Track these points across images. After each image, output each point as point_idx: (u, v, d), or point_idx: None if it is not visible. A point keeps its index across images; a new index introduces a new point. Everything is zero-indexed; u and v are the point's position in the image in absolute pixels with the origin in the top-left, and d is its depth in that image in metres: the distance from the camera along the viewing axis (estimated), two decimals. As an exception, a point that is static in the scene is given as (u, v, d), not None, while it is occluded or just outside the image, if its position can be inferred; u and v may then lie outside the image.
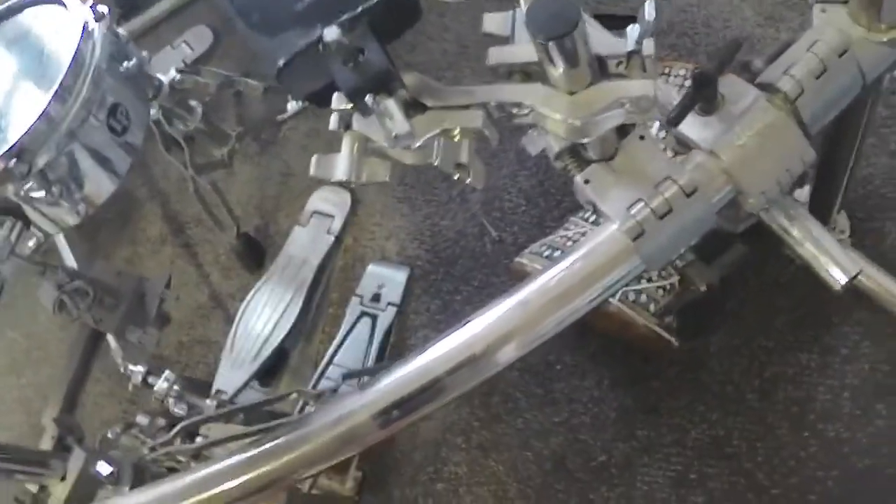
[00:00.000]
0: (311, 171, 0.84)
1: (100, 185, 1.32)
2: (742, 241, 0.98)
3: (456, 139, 0.81)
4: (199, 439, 1.29)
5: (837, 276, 0.97)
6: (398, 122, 0.73)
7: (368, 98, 0.75)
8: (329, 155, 0.84)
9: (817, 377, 1.55)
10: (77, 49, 1.26)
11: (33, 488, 1.24)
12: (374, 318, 1.82)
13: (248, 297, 1.88)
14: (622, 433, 1.61)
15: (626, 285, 0.96)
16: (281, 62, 0.77)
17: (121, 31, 1.41)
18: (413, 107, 0.78)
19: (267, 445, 0.96)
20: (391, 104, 0.74)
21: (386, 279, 1.86)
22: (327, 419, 0.94)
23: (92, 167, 1.28)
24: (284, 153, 2.07)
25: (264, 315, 1.85)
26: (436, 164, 0.81)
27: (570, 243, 1.51)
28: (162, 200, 2.11)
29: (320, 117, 2.06)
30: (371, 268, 1.88)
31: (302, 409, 1.51)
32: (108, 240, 2.12)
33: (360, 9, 0.75)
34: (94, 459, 1.19)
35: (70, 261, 1.93)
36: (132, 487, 1.21)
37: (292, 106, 2.07)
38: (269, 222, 2.01)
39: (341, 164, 0.83)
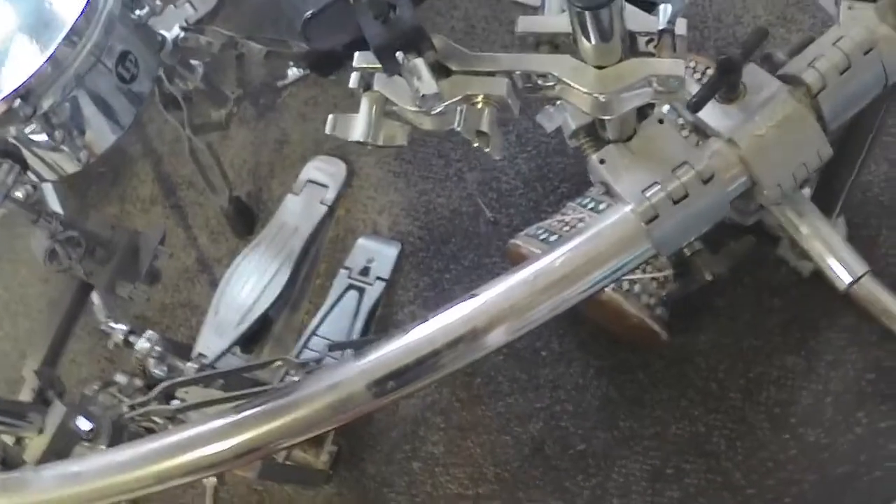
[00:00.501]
0: (328, 129, 0.83)
1: (102, 134, 1.30)
2: (750, 230, 0.98)
3: (479, 106, 0.80)
4: (175, 402, 1.28)
5: (843, 276, 0.97)
6: (426, 82, 0.72)
7: (399, 55, 0.73)
8: (347, 115, 0.82)
9: (802, 381, 1.55)
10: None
11: (9, 440, 1.22)
12: (361, 291, 1.81)
13: (236, 263, 1.86)
14: (603, 423, 1.62)
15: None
16: (309, 13, 0.76)
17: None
18: (438, 70, 0.77)
19: (257, 409, 0.94)
20: (420, 63, 0.73)
21: (376, 253, 1.85)
22: (321, 385, 0.92)
23: (96, 114, 1.26)
24: (282, 120, 2.05)
25: (251, 281, 1.83)
26: (458, 129, 0.79)
27: (567, 228, 1.50)
28: (155, 160, 2.08)
29: (320, 85, 2.04)
30: (362, 241, 1.87)
31: (283, 377, 1.51)
32: (98, 196, 2.10)
33: (393, -35, 0.73)
34: (73, 414, 1.17)
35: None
36: (109, 445, 1.19)
37: (293, 72, 2.05)
38: (261, 188, 1.99)
39: (360, 125, 0.81)
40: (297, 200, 1.93)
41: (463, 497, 1.65)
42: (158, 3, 1.42)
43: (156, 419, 1.27)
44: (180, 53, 1.66)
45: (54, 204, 1.83)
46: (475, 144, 0.81)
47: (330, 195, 1.92)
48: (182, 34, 1.64)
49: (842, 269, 0.97)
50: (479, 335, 0.88)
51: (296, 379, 1.43)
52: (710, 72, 1.54)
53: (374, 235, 1.88)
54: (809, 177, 0.93)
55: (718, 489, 1.53)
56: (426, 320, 0.91)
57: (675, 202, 0.85)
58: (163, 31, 1.60)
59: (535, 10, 0.86)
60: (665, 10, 0.78)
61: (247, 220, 1.94)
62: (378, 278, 1.81)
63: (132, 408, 1.21)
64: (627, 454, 1.59)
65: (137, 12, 1.32)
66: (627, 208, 0.86)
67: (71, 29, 1.22)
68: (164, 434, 0.98)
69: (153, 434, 1.22)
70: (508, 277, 0.90)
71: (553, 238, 1.49)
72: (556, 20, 0.81)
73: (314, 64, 1.93)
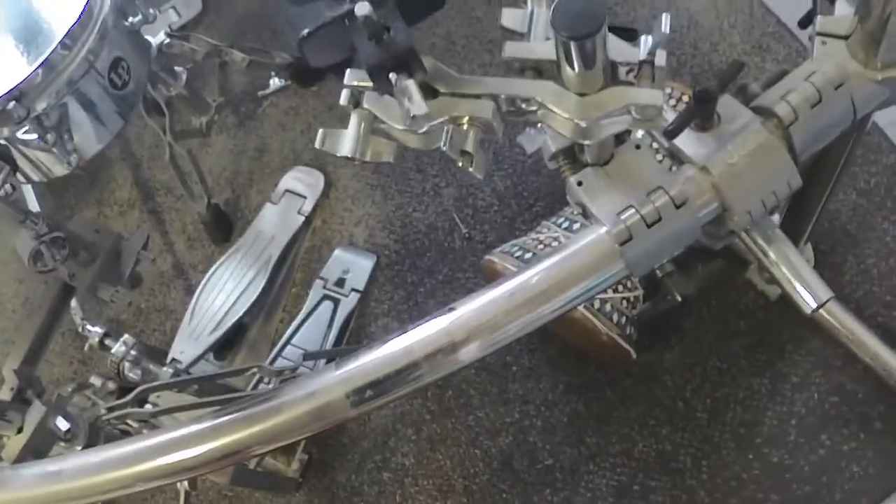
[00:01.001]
0: (317, 143, 0.84)
1: (92, 138, 1.32)
2: (720, 255, 1.00)
3: (464, 127, 0.83)
4: (148, 406, 1.29)
5: (809, 301, 1.00)
6: (417, 103, 0.74)
7: (392, 76, 0.76)
8: (336, 130, 0.84)
9: (767, 402, 1.58)
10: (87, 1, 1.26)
11: (-13, 438, 1.22)
12: (336, 302, 1.83)
13: (213, 269, 1.88)
14: (571, 438, 1.64)
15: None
16: (305, 31, 0.78)
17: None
18: (426, 91, 0.79)
19: (237, 414, 0.95)
20: (411, 85, 0.75)
21: (352, 265, 1.87)
22: (300, 392, 0.94)
23: (87, 119, 1.28)
24: (262, 129, 2.07)
25: (227, 288, 1.85)
26: (443, 149, 0.82)
27: (542, 247, 1.53)
28: (134, 164, 2.09)
29: (301, 96, 2.07)
30: (338, 252, 1.89)
31: (256, 385, 1.52)
32: (75, 198, 2.10)
33: (390, -13, 0.76)
34: (53, 414, 1.18)
35: (37, 215, 1.90)
36: (85, 446, 1.20)
37: (274, 82, 2.07)
38: (240, 196, 2.01)
39: (348, 141, 0.83)
40: (274, 210, 1.94)
41: (431, 508, 1.67)
42: (151, 11, 1.44)
43: (131, 422, 1.28)
44: (164, 59, 1.68)
45: (33, 204, 1.84)
46: (460, 164, 0.83)
47: (307, 206, 1.94)
48: (167, 40, 1.66)
49: (807, 293, 1.00)
50: (457, 348, 0.90)
51: (270, 387, 1.45)
52: (685, 98, 1.58)
53: (350, 247, 1.90)
54: (779, 204, 0.96)
55: (683, 506, 1.57)
56: (405, 331, 0.92)
57: (649, 225, 0.87)
58: (148, 37, 1.62)
59: (521, 36, 0.88)
60: (646, 42, 0.81)
61: (224, 227, 1.96)
62: (353, 290, 1.83)
63: (110, 410, 1.21)
64: (594, 470, 1.61)
65: (131, 19, 1.34)
66: (603, 229, 0.89)
67: (66, 34, 1.24)
68: (144, 437, 0.98)
69: (133, 436, 1.23)
70: (486, 292, 0.92)
71: (528, 256, 1.52)
72: (541, 47, 0.84)
73: (295, 75, 1.97)
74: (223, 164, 2.05)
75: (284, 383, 1.09)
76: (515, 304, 0.90)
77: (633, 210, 0.88)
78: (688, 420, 1.61)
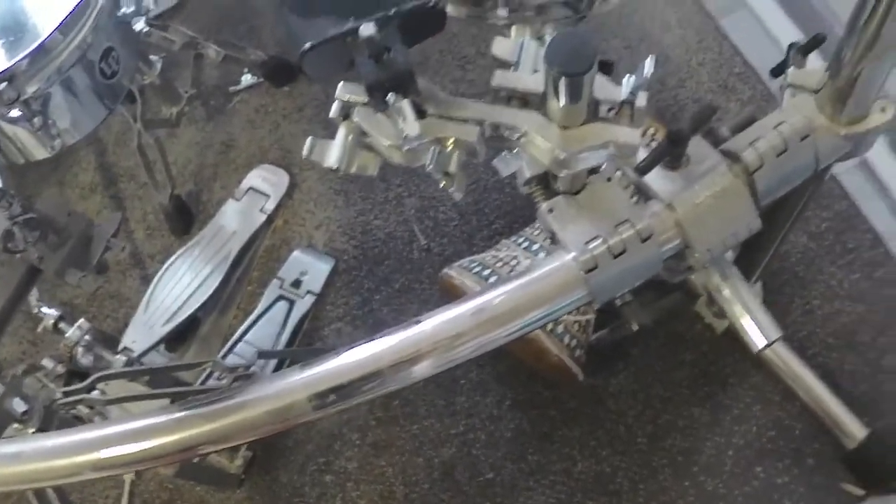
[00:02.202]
0: (304, 152, 0.87)
1: (77, 124, 1.32)
2: (678, 289, 1.04)
3: (448, 149, 0.85)
4: (95, 392, 1.29)
5: (758, 339, 1.04)
6: (410, 123, 0.77)
7: (390, 96, 0.78)
8: (324, 140, 0.87)
9: (706, 432, 1.63)
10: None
11: (-58, 417, 1.21)
12: (291, 302, 1.84)
13: (171, 260, 1.87)
14: (513, 454, 1.67)
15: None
16: (308, 45, 0.80)
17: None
18: (416, 110, 0.82)
19: (199, 409, 0.96)
20: (406, 105, 0.78)
21: (309, 267, 1.88)
22: (265, 392, 0.95)
23: (74, 105, 1.28)
24: (230, 124, 2.07)
25: (183, 281, 1.85)
26: (428, 168, 0.85)
27: (500, 265, 1.56)
28: (99, 149, 2.08)
29: (272, 95, 2.08)
30: (297, 253, 1.90)
31: (206, 380, 1.53)
32: (38, 179, 2.09)
33: (393, 11, 0.78)
34: (10, 395, 1.18)
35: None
36: (38, 430, 1.20)
37: (246, 79, 2.08)
38: (203, 190, 2.01)
39: (335, 152, 0.86)
40: (237, 206, 1.95)
41: (372, 513, 1.69)
42: (145, 3, 1.44)
43: (83, 408, 1.29)
44: (141, 47, 1.68)
45: (-2, 183, 1.82)
46: (442, 184, 0.86)
47: (270, 204, 1.95)
48: (146, 28, 1.66)
49: (757, 332, 1.04)
50: (422, 359, 0.92)
51: (221, 382, 1.46)
52: (651, 131, 1.63)
53: (309, 249, 1.91)
54: (737, 244, 1.00)
55: (617, 528, 1.60)
56: (372, 339, 0.95)
57: (615, 256, 0.91)
58: (134, 8, 1.61)
59: (511, 66, 0.91)
60: (629, 82, 0.85)
61: (185, 219, 1.96)
62: (309, 292, 1.85)
63: (66, 395, 1.22)
64: (534, 486, 1.64)
65: (124, 10, 1.34)
66: (570, 256, 0.92)
67: (63, 21, 1.24)
68: (105, 424, 0.99)
69: (88, 423, 1.23)
70: (452, 308, 0.95)
71: (486, 272, 1.55)
72: (529, 79, 0.87)
73: (269, 73, 1.99)
74: (189, 155, 2.05)
75: (246, 381, 1.11)
76: (481, 321, 0.93)
77: (600, 240, 0.91)
78: (628, 444, 1.65)
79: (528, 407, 1.70)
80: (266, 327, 1.81)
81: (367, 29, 0.73)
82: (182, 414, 0.97)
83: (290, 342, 1.80)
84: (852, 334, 1.68)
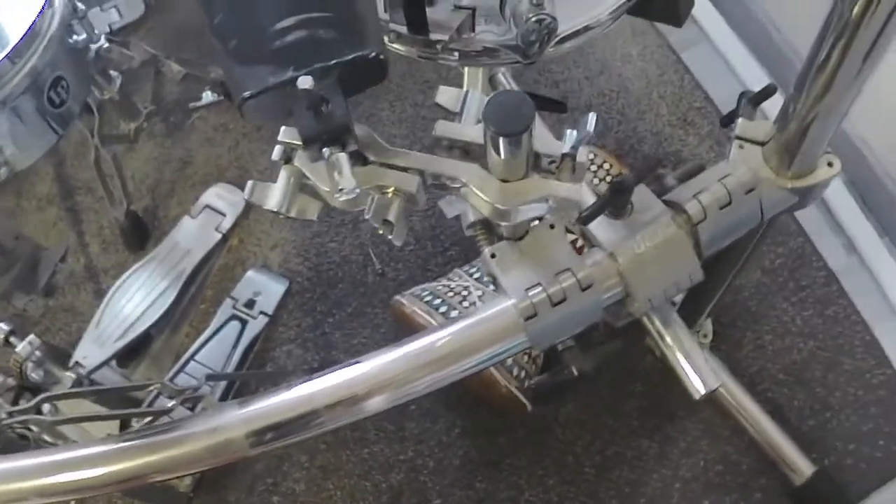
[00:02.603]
0: (245, 194, 0.87)
1: (25, 152, 1.31)
2: (620, 335, 1.05)
3: (388, 196, 0.86)
4: (48, 412, 1.28)
5: (698, 386, 1.05)
6: (346, 176, 0.77)
7: (326, 150, 0.79)
8: (265, 183, 0.87)
9: (653, 464, 1.64)
10: (39, 15, 1.26)
11: None
12: (244, 323, 1.83)
13: (125, 276, 1.86)
14: (461, 481, 1.68)
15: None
16: (247, 93, 0.80)
17: (79, 3, 1.41)
18: (355, 157, 0.82)
19: (137, 441, 0.96)
20: (342, 158, 0.78)
21: (263, 287, 1.88)
22: (202, 427, 0.95)
23: (22, 133, 1.26)
24: (188, 141, 2.06)
25: (137, 297, 1.84)
26: (366, 216, 0.85)
27: (451, 294, 1.57)
28: (57, 160, 2.07)
29: (231, 114, 2.07)
30: (251, 273, 1.90)
31: (154, 400, 1.52)
32: (-7, 189, 2.07)
33: (333, 61, 0.78)
34: (-42, 410, 1.17)
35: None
36: (-18, 449, 1.19)
37: (206, 96, 2.07)
38: (159, 206, 2.00)
39: (276, 195, 0.86)
40: (192, 223, 1.94)
41: (316, 536, 1.69)
42: (97, 32, 1.44)
43: (31, 427, 1.28)
44: (101, 63, 1.67)
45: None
46: (380, 232, 0.87)
47: (226, 223, 1.94)
48: (106, 44, 1.65)
49: (697, 379, 1.05)
50: (359, 401, 0.92)
51: (170, 403, 1.46)
52: (606, 165, 1.64)
53: (263, 269, 1.91)
54: (679, 294, 1.01)
55: (562, 559, 1.61)
56: (309, 379, 0.95)
57: (554, 304, 0.91)
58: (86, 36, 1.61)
59: (454, 116, 0.92)
60: (571, 136, 0.86)
61: (140, 234, 1.95)
62: (262, 312, 1.84)
63: (10, 415, 1.21)
64: (481, 514, 1.65)
65: (75, 38, 1.34)
66: (510, 302, 0.93)
67: (12, 49, 1.24)
68: (47, 451, 0.98)
69: (35, 448, 1.22)
70: (392, 350, 0.95)
71: (437, 301, 1.56)
72: (470, 130, 0.88)
73: (229, 92, 1.97)
74: (146, 171, 2.04)
75: (186, 418, 1.10)
76: (420, 363, 0.93)
77: (540, 288, 0.92)
78: (576, 474, 1.66)
79: (477, 434, 1.71)
80: (217, 347, 1.81)
81: (305, 82, 0.74)
82: (121, 445, 0.97)
83: (241, 362, 1.79)
84: (803, 371, 1.70)
